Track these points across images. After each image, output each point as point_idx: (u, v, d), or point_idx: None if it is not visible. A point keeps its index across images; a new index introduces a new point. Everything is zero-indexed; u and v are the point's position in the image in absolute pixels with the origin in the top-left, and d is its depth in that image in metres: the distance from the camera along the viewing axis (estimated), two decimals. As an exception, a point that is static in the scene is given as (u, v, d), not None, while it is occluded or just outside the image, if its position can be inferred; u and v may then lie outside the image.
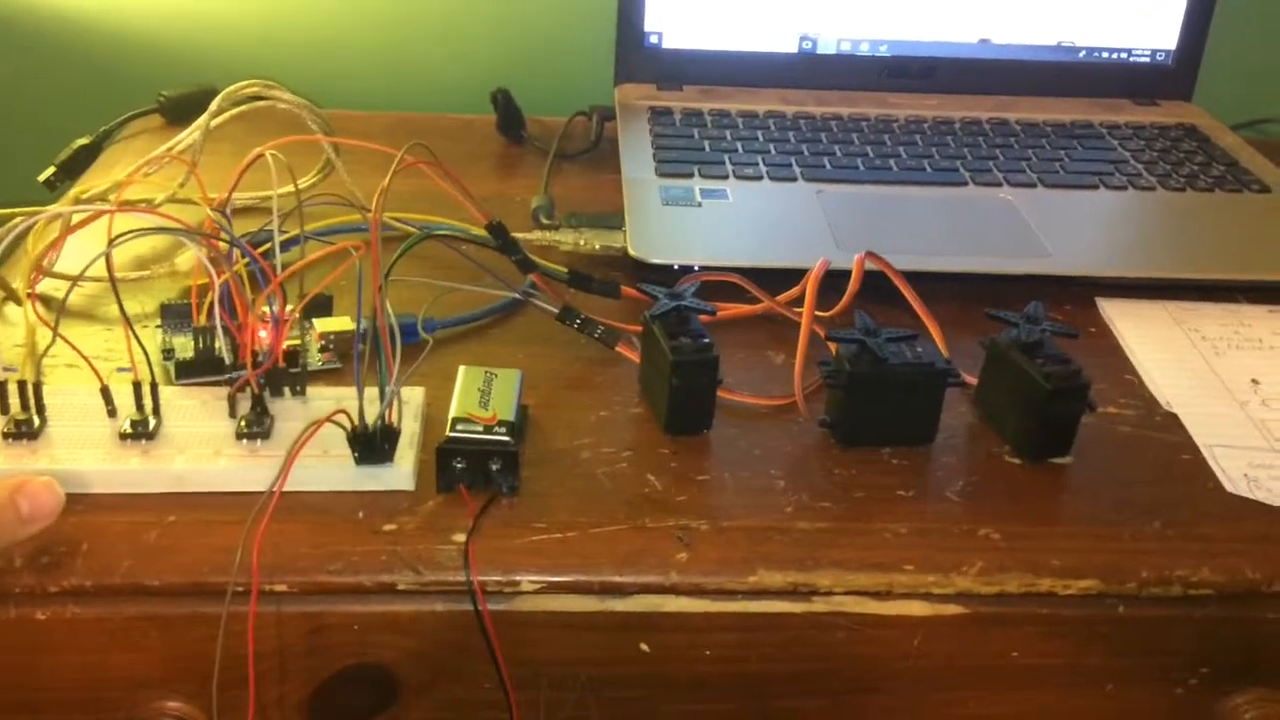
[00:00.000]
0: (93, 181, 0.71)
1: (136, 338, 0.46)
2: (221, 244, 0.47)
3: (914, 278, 0.56)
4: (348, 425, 0.45)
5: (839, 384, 0.49)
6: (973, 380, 0.53)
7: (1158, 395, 0.55)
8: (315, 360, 0.53)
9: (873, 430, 0.50)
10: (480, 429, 0.46)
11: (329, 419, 0.44)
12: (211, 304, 0.48)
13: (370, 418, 0.45)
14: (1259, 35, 0.92)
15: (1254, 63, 0.92)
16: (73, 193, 0.64)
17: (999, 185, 0.72)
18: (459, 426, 0.46)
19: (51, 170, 0.75)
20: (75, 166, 0.75)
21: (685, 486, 0.48)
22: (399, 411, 0.46)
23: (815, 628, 0.46)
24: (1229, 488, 0.49)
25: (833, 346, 0.54)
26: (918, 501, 0.48)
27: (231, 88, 0.64)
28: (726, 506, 0.47)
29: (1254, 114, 0.87)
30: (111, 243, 0.44)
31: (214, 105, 0.63)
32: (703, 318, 0.51)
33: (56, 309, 0.49)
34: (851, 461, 0.50)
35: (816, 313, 0.56)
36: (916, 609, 0.46)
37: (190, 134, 0.63)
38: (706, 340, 0.50)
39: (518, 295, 0.56)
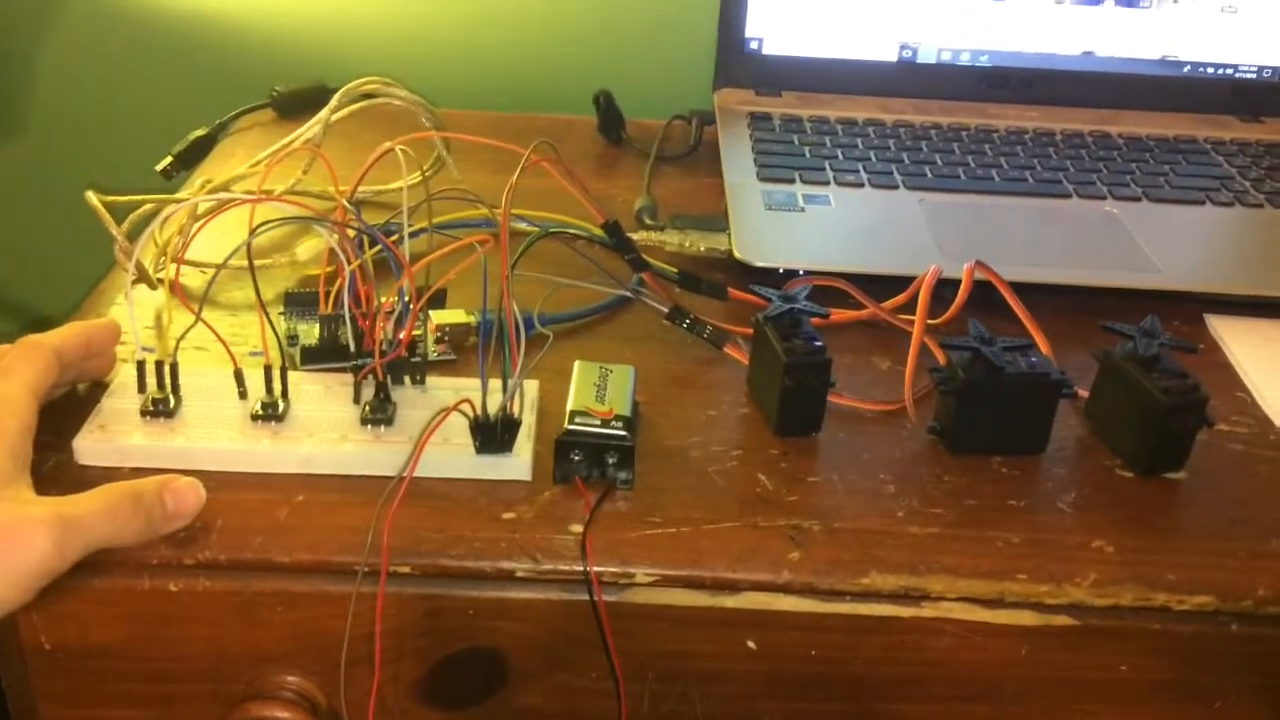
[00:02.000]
0: (209, 172, 0.73)
1: (270, 323, 0.47)
2: (353, 233, 0.48)
3: (1018, 288, 0.56)
4: (471, 414, 0.46)
5: (952, 390, 0.49)
6: (1083, 392, 0.53)
7: (1271, 414, 0.54)
8: (431, 351, 0.55)
9: (983, 439, 0.50)
10: (598, 423, 0.47)
11: (455, 407, 0.45)
12: (338, 292, 0.50)
13: (492, 408, 0.46)
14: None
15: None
16: (198, 182, 0.66)
17: (1103, 198, 0.72)
18: (577, 419, 0.47)
19: (169, 160, 0.77)
20: (191, 157, 0.78)
21: (796, 487, 0.48)
22: (519, 403, 0.48)
23: (922, 632, 0.46)
24: (1347, 510, 0.48)
25: (940, 355, 0.54)
26: (1030, 511, 0.48)
27: (351, 84, 0.66)
28: (837, 508, 0.47)
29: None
30: (254, 231, 0.46)
31: (334, 100, 0.65)
32: (813, 321, 0.52)
33: (199, 295, 0.51)
34: (961, 469, 0.50)
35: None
36: (1026, 618, 0.46)
37: (312, 126, 0.65)
38: (819, 343, 0.50)
39: (628, 293, 0.57)
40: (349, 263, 0.47)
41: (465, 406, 0.46)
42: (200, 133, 0.79)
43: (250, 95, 0.84)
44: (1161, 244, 0.66)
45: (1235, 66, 0.84)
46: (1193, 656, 0.47)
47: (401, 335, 0.49)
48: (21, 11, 0.90)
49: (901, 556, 0.45)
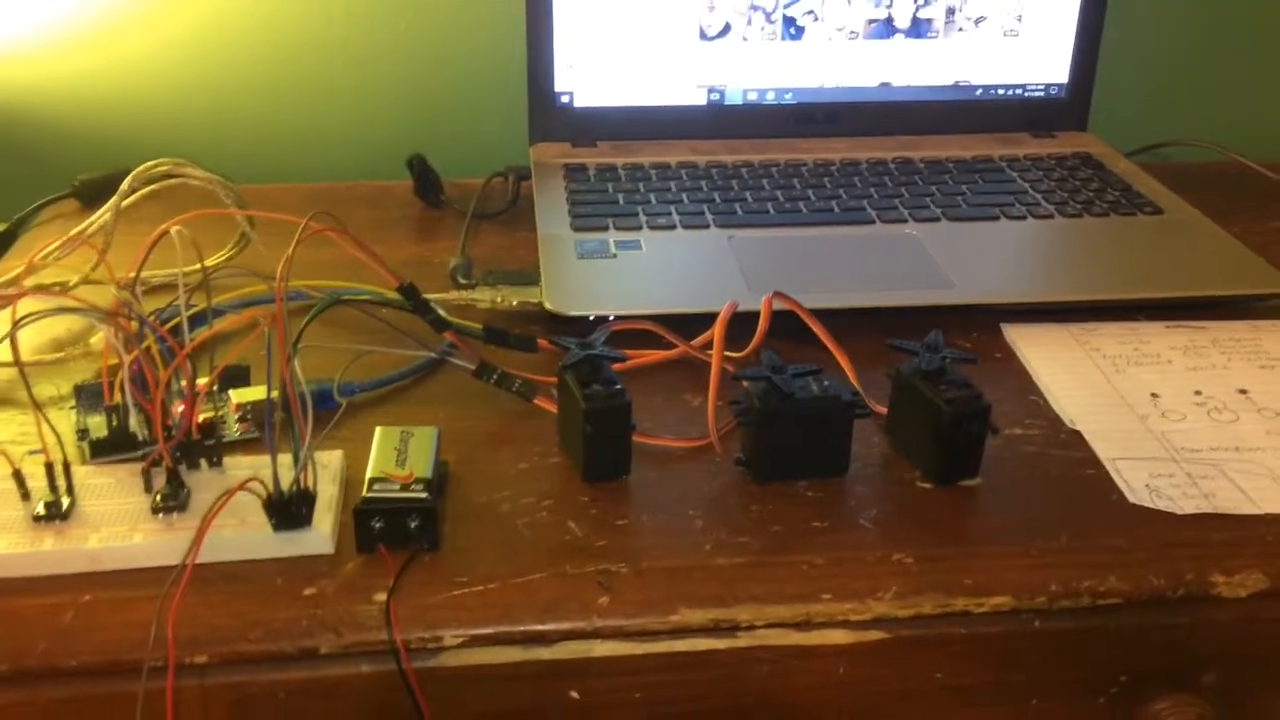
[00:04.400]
0: (7, 266, 0.71)
1: (46, 419, 0.46)
2: (129, 323, 0.47)
3: (825, 315, 0.58)
4: (262, 492, 0.45)
5: (749, 421, 0.50)
6: (882, 410, 0.55)
7: (1061, 414, 0.57)
8: (233, 431, 0.53)
9: (786, 465, 0.51)
10: (397, 487, 0.46)
11: (241, 486, 0.44)
12: (124, 381, 0.48)
13: (285, 483, 0.45)
14: (1146, 64, 0.96)
15: (1143, 90, 0.96)
16: (-16, 280, 0.64)
17: (904, 221, 0.74)
18: (375, 486, 0.46)
19: (-35, 259, 0.74)
20: (-10, 254, 0.75)
21: (605, 532, 0.48)
22: (315, 475, 0.47)
23: (741, 663, 0.46)
24: (1132, 499, 0.51)
25: (745, 385, 0.55)
26: (833, 532, 0.49)
27: (142, 167, 0.65)
28: (646, 548, 0.47)
29: (1146, 140, 0.91)
30: (16, 325, 0.44)
31: (125, 185, 0.64)
32: (616, 365, 0.52)
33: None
34: (768, 497, 0.51)
35: (731, 354, 0.58)
36: (838, 637, 0.46)
37: (102, 215, 0.63)
38: (618, 387, 0.51)
39: (435, 355, 0.57)
40: (125, 352, 0.46)
41: (254, 484, 0.45)
42: (-2, 228, 0.76)
43: (55, 187, 0.81)
44: (959, 261, 0.69)
45: (1024, 86, 0.88)
46: (1002, 657, 0.48)
47: (188, 420, 0.48)
48: None
49: (709, 589, 0.46)
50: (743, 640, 0.46)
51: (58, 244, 0.59)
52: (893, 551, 0.47)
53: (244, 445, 0.53)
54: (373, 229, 0.77)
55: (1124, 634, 0.48)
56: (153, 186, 0.64)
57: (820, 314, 0.58)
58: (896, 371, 0.53)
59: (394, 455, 0.48)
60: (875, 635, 0.47)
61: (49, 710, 0.43)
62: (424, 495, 0.46)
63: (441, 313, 0.56)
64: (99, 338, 0.59)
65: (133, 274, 0.51)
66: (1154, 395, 0.58)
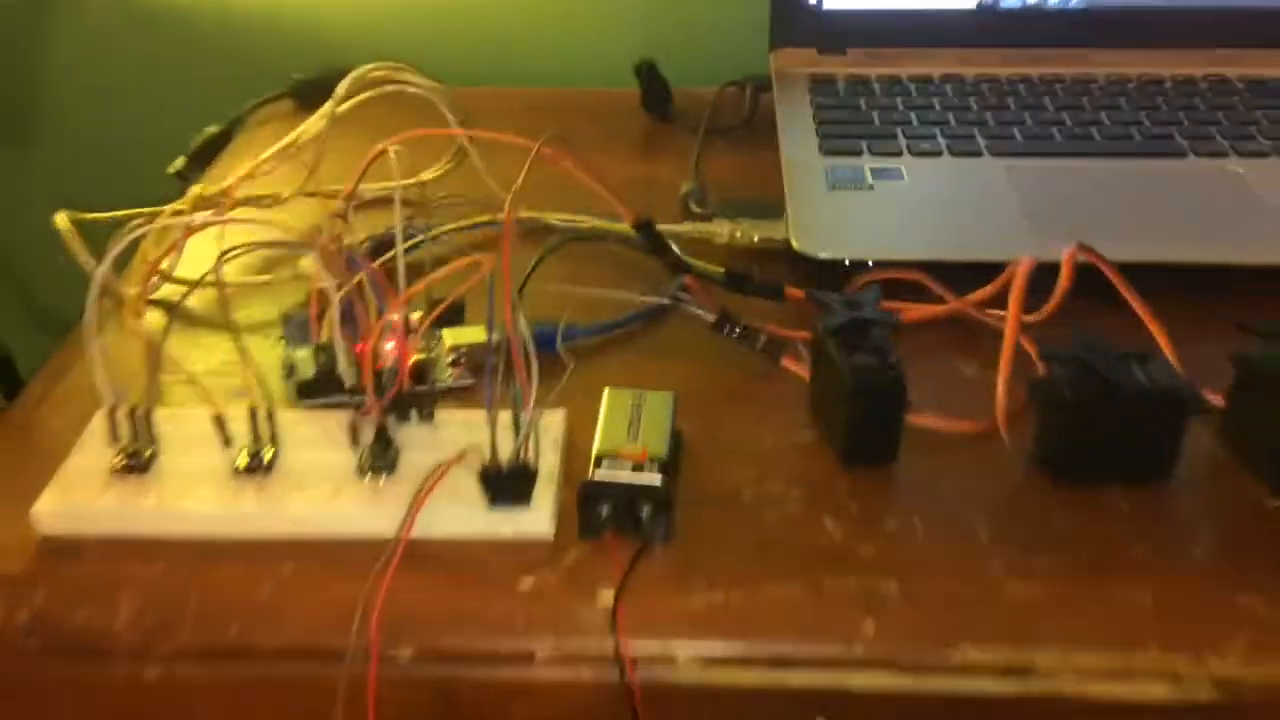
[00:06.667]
0: (223, 170, 0.67)
1: (251, 362, 0.41)
2: (339, 255, 0.42)
3: (1128, 270, 0.47)
4: (478, 463, 0.39)
5: (1057, 411, 0.41)
6: (1217, 400, 0.44)
7: None
8: (445, 376, 0.48)
9: (1095, 466, 0.42)
10: (628, 467, 0.40)
11: (458, 459, 0.38)
12: (333, 319, 0.43)
13: (504, 453, 0.39)
14: None
15: None
16: (194, 190, 0.60)
17: (1225, 155, 0.62)
18: (604, 464, 0.40)
19: (182, 161, 0.72)
20: (206, 156, 0.72)
21: (869, 535, 0.40)
22: (536, 444, 0.41)
23: (1032, 714, 0.38)
24: None
25: (1042, 366, 0.45)
26: (1157, 558, 0.39)
27: (358, 71, 0.59)
28: (920, 563, 0.39)
29: None
30: (221, 257, 0.39)
31: (340, 90, 0.58)
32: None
33: (169, 322, 0.45)
34: (1071, 505, 0.41)
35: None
36: (1158, 693, 0.37)
37: (314, 122, 0.58)
38: (891, 358, 0.42)
39: (667, 301, 0.50)
40: (335, 287, 0.41)
41: (471, 457, 0.39)
42: (213, 130, 0.73)
43: (270, 85, 0.78)
44: (1300, 209, 0.57)
45: (1375, -10, 0.72)
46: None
47: (401, 372, 0.42)
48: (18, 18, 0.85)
49: (1000, 624, 0.37)
50: (1036, 687, 0.38)
51: (261, 159, 0.54)
52: (1239, 592, 0.38)
53: (455, 393, 0.47)
54: (595, 144, 0.70)
55: None
56: (368, 94, 0.59)
57: (1121, 269, 0.47)
58: (1243, 359, 0.42)
59: (625, 426, 0.41)
60: (1208, 697, 0.37)
61: (235, 689, 0.39)
62: (659, 480, 0.39)
63: (679, 253, 0.49)
64: (309, 260, 0.55)
65: (345, 196, 0.46)
66: None
